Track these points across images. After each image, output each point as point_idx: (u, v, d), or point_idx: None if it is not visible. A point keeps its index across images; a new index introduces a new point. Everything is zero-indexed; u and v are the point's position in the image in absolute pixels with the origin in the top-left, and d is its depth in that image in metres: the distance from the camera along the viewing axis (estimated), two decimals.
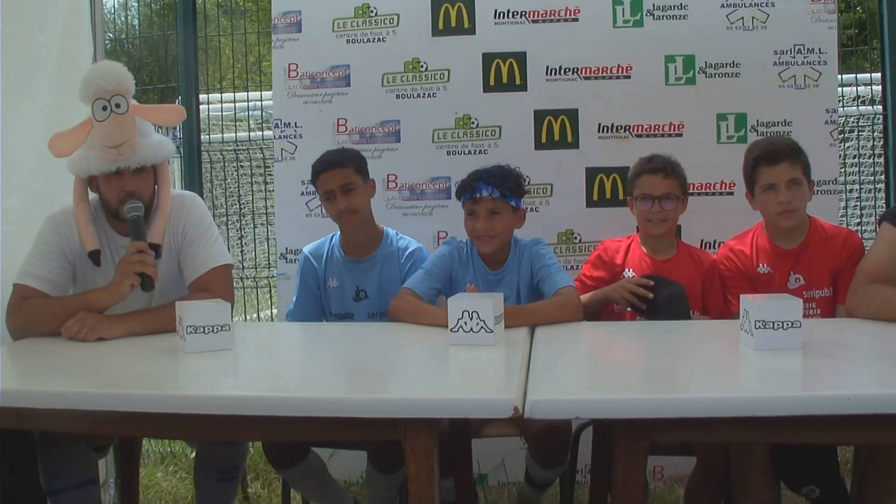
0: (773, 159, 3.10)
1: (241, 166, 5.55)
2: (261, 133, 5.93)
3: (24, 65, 3.40)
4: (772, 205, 3.13)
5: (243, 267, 5.68)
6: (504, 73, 3.93)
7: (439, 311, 2.97)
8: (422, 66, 3.97)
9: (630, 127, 3.89)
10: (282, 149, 4.05)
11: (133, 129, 2.87)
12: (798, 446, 2.80)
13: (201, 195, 4.19)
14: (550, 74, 3.92)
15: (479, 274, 3.26)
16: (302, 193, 4.03)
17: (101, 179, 2.92)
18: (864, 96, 5.07)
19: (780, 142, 3.18)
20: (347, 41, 4.02)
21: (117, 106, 2.82)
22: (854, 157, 5.40)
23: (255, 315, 5.92)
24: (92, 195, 3.03)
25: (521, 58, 3.93)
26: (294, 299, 3.51)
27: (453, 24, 3.95)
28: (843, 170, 5.01)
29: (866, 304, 2.84)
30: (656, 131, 3.89)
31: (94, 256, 2.93)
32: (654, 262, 3.33)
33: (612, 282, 3.34)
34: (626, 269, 3.35)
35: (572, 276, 3.50)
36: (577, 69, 3.91)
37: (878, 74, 4.23)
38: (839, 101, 4.38)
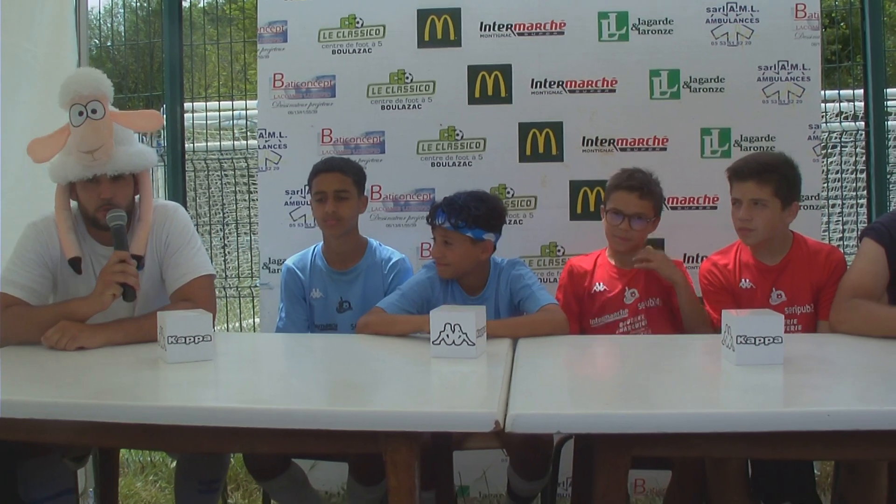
0: (741, 176, 3.11)
1: (226, 175, 5.53)
2: (245, 142, 5.91)
3: (10, 70, 3.39)
4: (735, 219, 3.15)
5: (226, 276, 5.66)
6: (489, 86, 3.94)
7: (413, 317, 3.00)
8: (407, 78, 3.98)
9: (614, 140, 3.91)
10: (266, 158, 4.04)
11: (109, 134, 2.84)
12: (774, 463, 2.81)
13: (185, 204, 4.18)
14: (535, 87, 3.93)
15: (457, 300, 3.24)
16: (286, 203, 4.03)
17: (80, 187, 2.90)
18: (847, 112, 5.08)
19: (754, 160, 3.17)
20: (333, 52, 4.02)
21: (93, 111, 2.80)
22: (837, 172, 5.41)
23: (237, 324, 5.90)
24: (73, 203, 3.01)
25: (506, 70, 3.94)
26: (282, 315, 3.49)
27: (439, 36, 3.96)
28: (825, 185, 5.04)
29: (849, 320, 2.84)
30: (640, 145, 3.90)
31: (75, 264, 2.90)
32: (623, 273, 3.35)
33: (582, 298, 3.37)
34: (596, 283, 3.37)
35: (556, 287, 3.51)
36: (563, 82, 3.92)
37: (861, 90, 4.26)
38: (822, 116, 4.41)
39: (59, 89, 2.85)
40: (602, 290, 3.33)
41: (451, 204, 3.19)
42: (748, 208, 3.08)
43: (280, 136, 4.04)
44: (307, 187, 3.46)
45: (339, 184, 3.33)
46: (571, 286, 3.41)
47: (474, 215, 3.16)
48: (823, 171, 4.67)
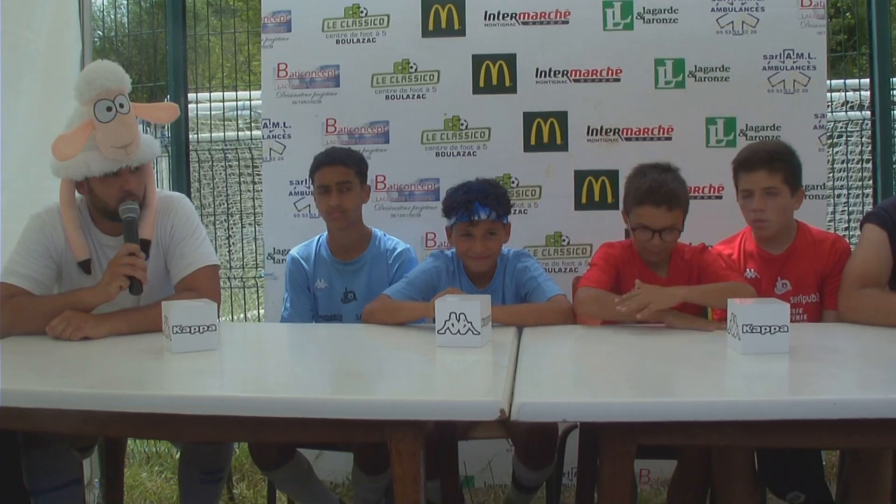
0: (750, 166, 3.06)
1: (230, 166, 5.53)
2: (249, 133, 5.91)
3: (11, 60, 3.38)
4: (747, 211, 3.10)
5: (231, 267, 5.67)
6: (494, 75, 3.93)
7: (418, 304, 3.00)
8: (411, 67, 3.97)
9: (619, 130, 3.90)
10: (270, 149, 4.04)
11: (136, 128, 2.89)
12: (782, 452, 2.80)
13: (189, 194, 4.18)
14: (540, 77, 3.92)
15: (465, 290, 3.20)
16: (290, 193, 4.03)
17: (99, 180, 2.89)
18: (852, 102, 5.08)
19: (761, 148, 3.12)
20: (337, 41, 4.01)
21: (121, 106, 2.81)
22: (842, 162, 5.41)
23: (242, 315, 5.91)
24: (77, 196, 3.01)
25: (510, 60, 3.93)
26: (287, 305, 3.49)
27: (443, 25, 3.94)
28: (831, 175, 5.03)
29: (860, 308, 2.83)
30: (645, 135, 3.89)
31: (85, 266, 2.92)
32: (655, 278, 3.14)
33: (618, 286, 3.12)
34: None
35: (560, 277, 3.50)
36: (567, 71, 3.91)
37: (867, 80, 4.25)
38: (828, 106, 4.39)
39: (80, 83, 2.84)
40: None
41: (487, 195, 3.13)
42: (761, 198, 3.03)
43: (284, 126, 4.03)
44: (310, 179, 3.45)
45: (341, 176, 3.33)
46: (607, 265, 3.12)
47: (508, 199, 3.22)
48: (829, 160, 4.66)
